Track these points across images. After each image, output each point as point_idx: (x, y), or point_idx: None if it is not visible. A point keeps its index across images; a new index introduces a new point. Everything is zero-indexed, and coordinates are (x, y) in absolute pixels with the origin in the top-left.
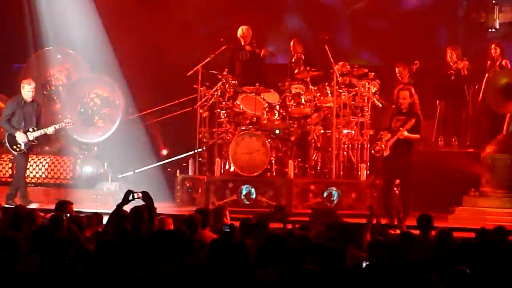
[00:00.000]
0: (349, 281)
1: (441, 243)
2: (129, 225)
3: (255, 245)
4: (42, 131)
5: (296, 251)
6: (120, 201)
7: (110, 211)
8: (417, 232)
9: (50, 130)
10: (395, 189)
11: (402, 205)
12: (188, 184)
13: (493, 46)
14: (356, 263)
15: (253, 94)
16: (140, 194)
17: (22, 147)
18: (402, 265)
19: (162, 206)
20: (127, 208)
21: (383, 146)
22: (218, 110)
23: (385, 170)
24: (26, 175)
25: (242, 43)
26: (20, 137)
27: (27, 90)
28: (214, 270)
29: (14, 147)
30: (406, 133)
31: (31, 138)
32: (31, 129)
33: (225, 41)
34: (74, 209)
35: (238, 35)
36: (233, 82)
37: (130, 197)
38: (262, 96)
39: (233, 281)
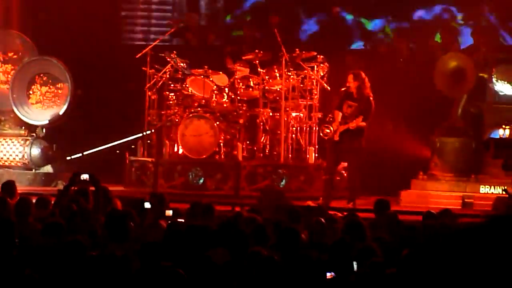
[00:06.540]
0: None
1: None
2: (76, 207)
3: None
4: None
5: (244, 233)
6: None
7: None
8: (372, 215)
9: None
10: (343, 172)
11: (349, 187)
12: (136, 166)
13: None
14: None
15: (202, 76)
16: (87, 176)
17: None
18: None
19: (111, 188)
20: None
21: (331, 128)
22: (167, 92)
23: (332, 153)
24: None
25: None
26: None
27: None
28: (169, 250)
29: None
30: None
31: None
32: None
33: (173, 24)
34: (20, 191)
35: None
36: (182, 64)
37: (77, 179)
38: (211, 79)
39: (187, 261)
